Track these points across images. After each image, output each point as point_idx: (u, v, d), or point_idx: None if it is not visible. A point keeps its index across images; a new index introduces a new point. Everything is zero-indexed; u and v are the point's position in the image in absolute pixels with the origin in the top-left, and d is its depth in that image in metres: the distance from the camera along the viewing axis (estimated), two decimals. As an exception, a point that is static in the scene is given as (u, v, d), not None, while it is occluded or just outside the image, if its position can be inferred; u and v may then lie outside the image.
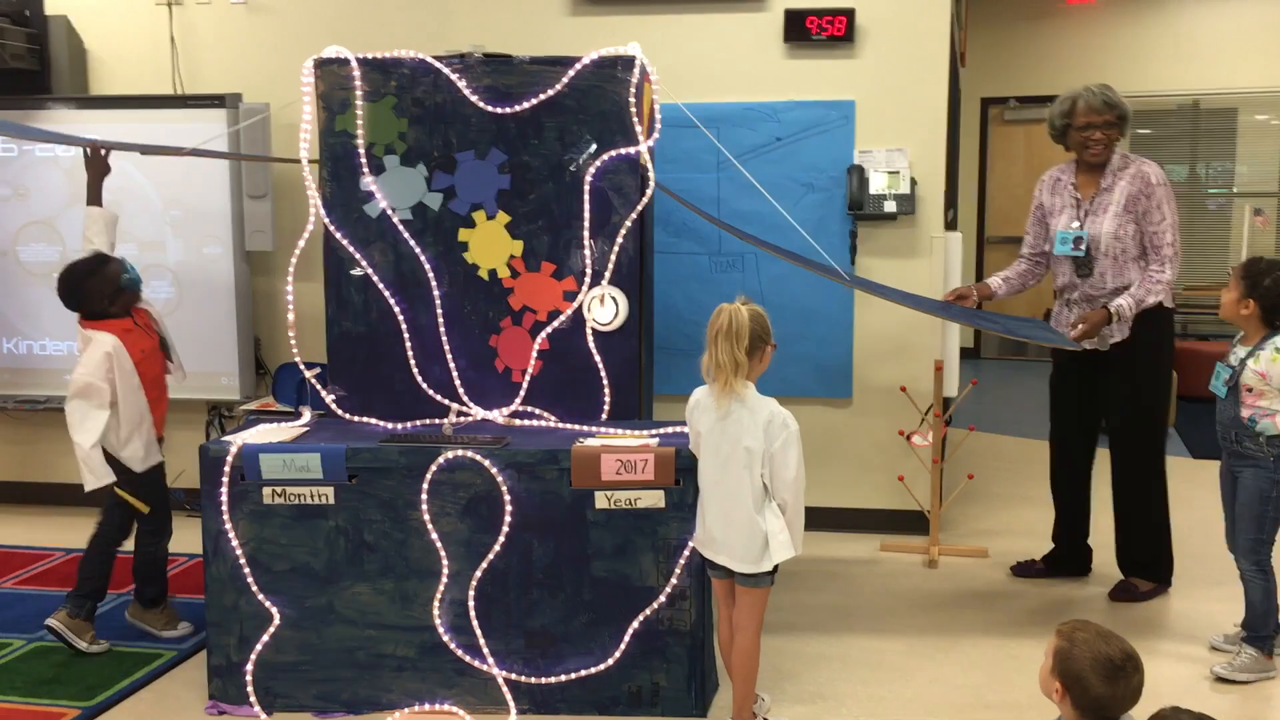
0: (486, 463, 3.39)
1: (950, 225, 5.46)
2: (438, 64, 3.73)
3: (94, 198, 4.15)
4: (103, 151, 4.16)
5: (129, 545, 4.14)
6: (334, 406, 3.86)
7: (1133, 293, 4.18)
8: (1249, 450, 3.71)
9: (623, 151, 3.71)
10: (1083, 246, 4.27)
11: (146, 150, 4.59)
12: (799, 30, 5.01)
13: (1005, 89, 9.99)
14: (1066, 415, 4.56)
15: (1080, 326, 4.21)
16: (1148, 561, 4.43)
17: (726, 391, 3.10)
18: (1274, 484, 3.67)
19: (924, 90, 5.03)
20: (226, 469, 3.43)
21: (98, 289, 3.89)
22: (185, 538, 5.11)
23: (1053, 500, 4.68)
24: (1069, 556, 4.65)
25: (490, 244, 3.79)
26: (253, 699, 3.50)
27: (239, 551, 3.46)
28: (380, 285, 3.80)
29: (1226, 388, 3.74)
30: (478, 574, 3.43)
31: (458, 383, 3.82)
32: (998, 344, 10.51)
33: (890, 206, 4.96)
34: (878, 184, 4.97)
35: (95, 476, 3.84)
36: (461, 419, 3.78)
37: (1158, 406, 4.39)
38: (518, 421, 3.79)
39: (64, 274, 3.94)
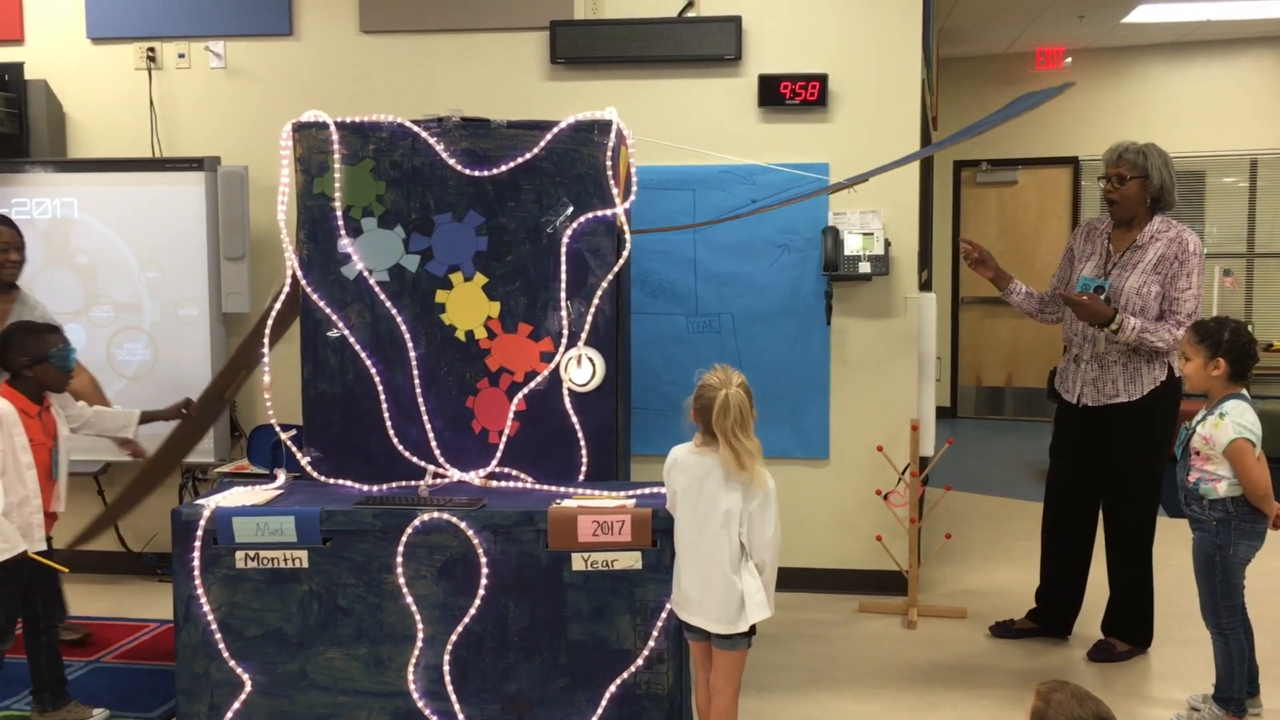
0: (462, 525, 3.36)
1: (925, 286, 5.51)
2: (415, 128, 3.76)
3: (147, 418, 4.19)
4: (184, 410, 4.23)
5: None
6: (309, 469, 3.83)
7: (1144, 324, 4.15)
8: (1195, 513, 3.74)
9: (599, 213, 3.74)
10: (1102, 297, 4.24)
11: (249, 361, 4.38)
12: (773, 95, 5.09)
13: (977, 152, 10.13)
14: (1064, 475, 4.52)
15: (1084, 298, 4.17)
16: (1128, 623, 4.42)
17: (745, 474, 3.08)
18: (1216, 548, 3.68)
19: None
20: (199, 533, 3.40)
21: (25, 345, 3.77)
22: (156, 603, 5.06)
23: (1041, 559, 4.64)
24: (1054, 615, 4.61)
25: (467, 305, 3.80)
26: (223, 768, 3.44)
27: (210, 617, 3.41)
28: (357, 346, 3.80)
29: (1181, 449, 3.77)
30: (453, 638, 3.39)
31: (434, 444, 3.81)
32: (974, 404, 10.57)
33: (865, 267, 5.00)
34: (852, 245, 5.02)
35: (7, 544, 3.59)
36: (437, 481, 3.76)
37: (1155, 474, 4.35)
38: (494, 483, 3.77)
39: (7, 326, 3.94)
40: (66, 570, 3.82)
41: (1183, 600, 4.58)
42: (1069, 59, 9.86)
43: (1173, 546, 4.72)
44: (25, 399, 3.76)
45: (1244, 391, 3.73)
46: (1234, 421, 3.61)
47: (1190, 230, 4.29)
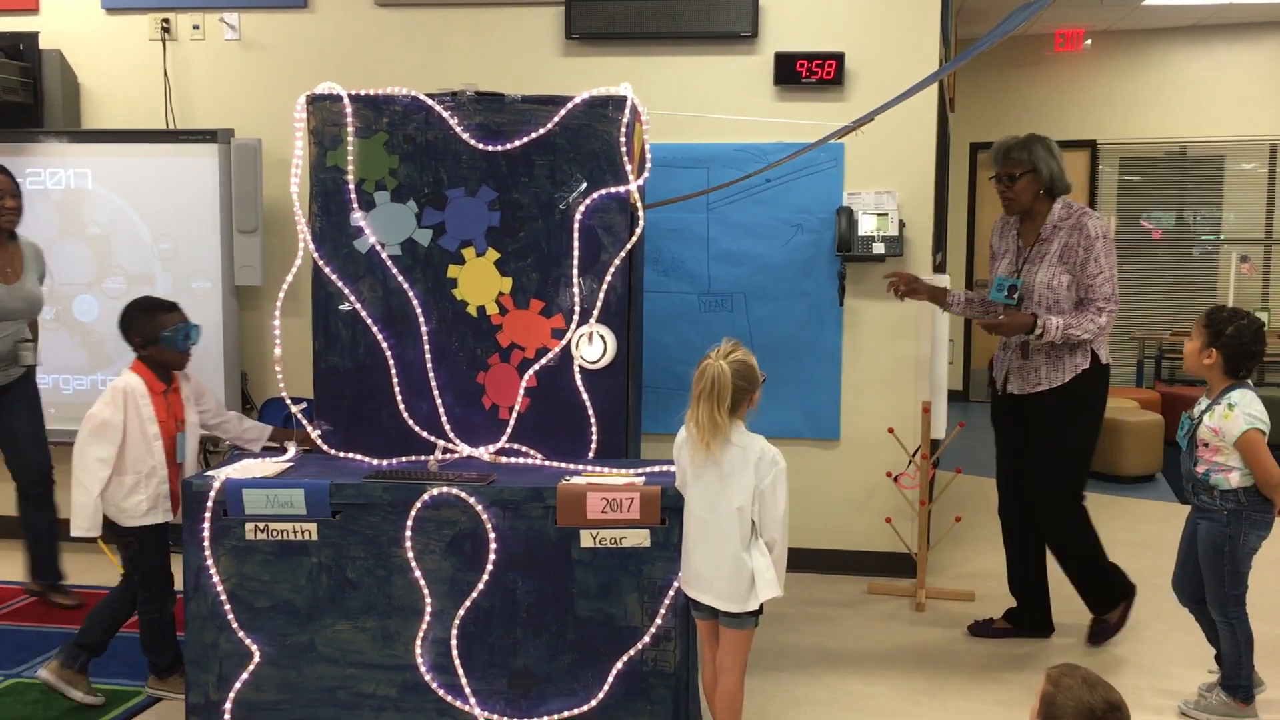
0: (471, 500, 3.37)
1: (939, 268, 5.49)
2: (430, 101, 3.74)
3: (277, 437, 4.03)
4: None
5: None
6: (319, 442, 3.84)
7: (1066, 320, 4.11)
8: (1204, 503, 3.73)
9: (613, 190, 3.73)
10: (1016, 295, 4.23)
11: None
12: (789, 73, 5.05)
13: (994, 134, 9.93)
14: (1004, 461, 4.48)
15: (1002, 318, 4.20)
16: (1100, 596, 4.39)
17: (703, 451, 3.09)
18: (1226, 538, 3.67)
19: (913, 134, 5.07)
20: (209, 504, 3.40)
21: (138, 325, 3.80)
22: (167, 574, 5.08)
23: (1006, 556, 4.58)
24: (1026, 612, 4.51)
25: (479, 281, 3.79)
26: (231, 738, 3.46)
27: (220, 588, 3.42)
28: (368, 321, 3.79)
29: (1186, 440, 3.75)
30: (461, 612, 3.40)
31: (444, 419, 3.81)
32: (985, 387, 10.52)
33: (879, 248, 4.98)
34: (866, 225, 5.00)
35: (84, 524, 3.68)
36: (447, 456, 3.76)
37: (1076, 458, 4.29)
38: (504, 459, 3.77)
39: (128, 304, 3.90)
40: (121, 569, 3.87)
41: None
42: (1088, 41, 9.80)
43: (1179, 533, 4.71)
44: (152, 375, 3.79)
45: (1248, 380, 3.72)
46: (1244, 412, 3.60)
47: (1092, 214, 4.22)
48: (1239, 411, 3.60)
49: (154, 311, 3.83)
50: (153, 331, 3.78)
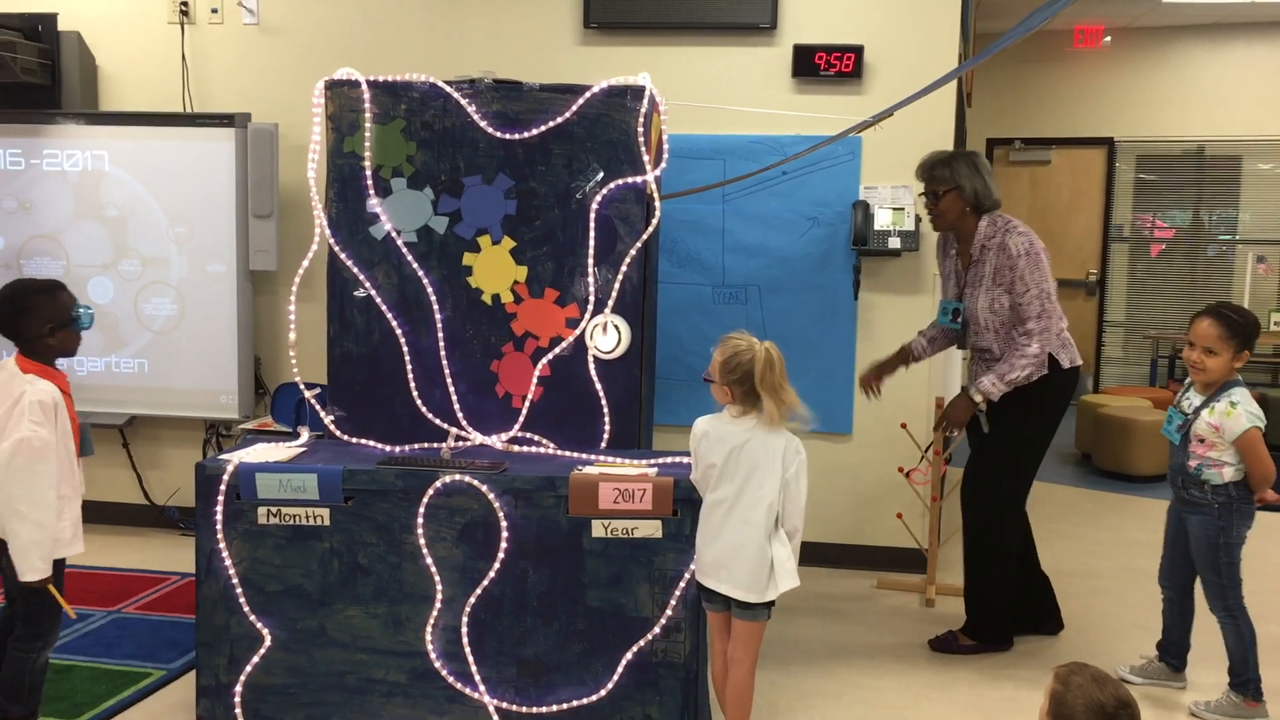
0: (484, 488, 3.37)
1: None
2: (448, 88, 3.74)
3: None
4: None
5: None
6: (332, 427, 3.84)
7: (998, 370, 4.05)
8: (1195, 497, 3.74)
9: (629, 180, 3.72)
10: (960, 319, 4.20)
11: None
12: (807, 66, 5.03)
13: (1011, 130, 10.02)
14: None
15: (947, 411, 4.21)
16: (975, 618, 4.31)
17: (765, 427, 3.15)
18: (1220, 530, 3.70)
19: (930, 129, 5.04)
20: (222, 487, 3.41)
21: (44, 310, 3.19)
22: (178, 557, 5.11)
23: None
24: (1029, 610, 4.44)
25: (494, 269, 3.79)
26: (240, 721, 3.47)
27: (232, 571, 3.43)
28: (383, 307, 3.80)
29: (1179, 435, 3.75)
30: (471, 600, 3.40)
31: (457, 407, 3.81)
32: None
33: (894, 242, 4.96)
34: (882, 220, 4.98)
35: (41, 565, 3.14)
36: (460, 443, 3.76)
37: (1017, 460, 4.21)
38: (516, 448, 3.77)
39: (11, 288, 3.26)
40: (74, 616, 3.46)
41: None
42: (1108, 38, 9.74)
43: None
44: (58, 374, 3.25)
45: (1239, 376, 3.74)
46: (1245, 410, 3.63)
47: (1015, 230, 4.09)
48: (1241, 409, 3.62)
49: (54, 292, 3.25)
50: (63, 314, 3.23)
